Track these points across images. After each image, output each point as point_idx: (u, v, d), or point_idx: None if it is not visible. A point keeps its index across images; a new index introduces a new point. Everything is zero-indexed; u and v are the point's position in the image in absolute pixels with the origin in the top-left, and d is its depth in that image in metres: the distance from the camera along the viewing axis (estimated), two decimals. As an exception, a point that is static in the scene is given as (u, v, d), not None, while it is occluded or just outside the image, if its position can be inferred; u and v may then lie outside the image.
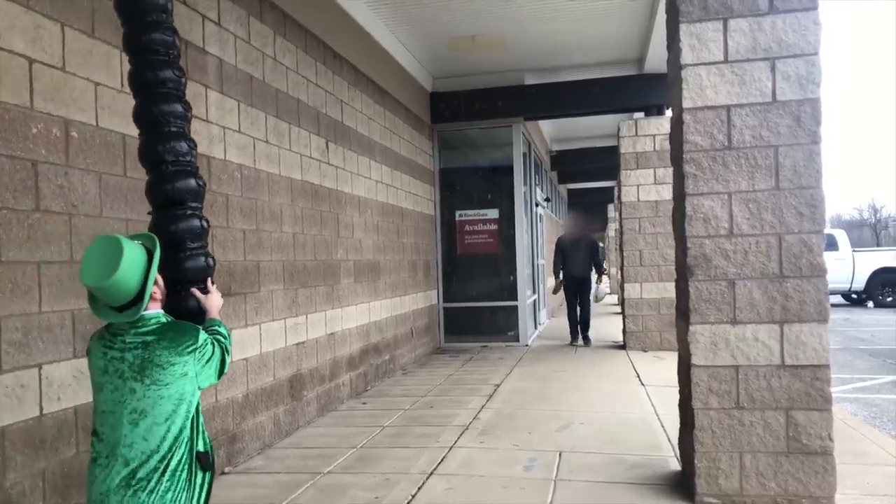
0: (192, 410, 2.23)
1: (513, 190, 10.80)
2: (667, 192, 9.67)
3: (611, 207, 24.17)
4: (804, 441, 3.60)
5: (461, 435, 5.23)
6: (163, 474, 2.13)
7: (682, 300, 3.98)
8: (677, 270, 4.12)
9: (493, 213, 10.89)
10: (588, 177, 21.30)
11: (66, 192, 3.29)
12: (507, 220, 10.92)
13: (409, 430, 5.45)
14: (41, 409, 3.08)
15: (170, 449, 2.15)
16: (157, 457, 2.12)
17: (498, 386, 7.21)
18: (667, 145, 9.56)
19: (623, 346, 10.06)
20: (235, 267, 4.78)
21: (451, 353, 9.85)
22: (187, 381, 2.19)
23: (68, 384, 3.24)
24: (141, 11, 2.58)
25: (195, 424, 2.24)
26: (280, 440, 5.29)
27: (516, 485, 4.10)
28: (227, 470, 4.54)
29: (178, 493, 2.16)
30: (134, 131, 3.73)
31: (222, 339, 2.40)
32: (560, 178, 20.42)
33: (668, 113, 10.13)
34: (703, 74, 3.71)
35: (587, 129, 15.61)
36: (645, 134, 9.83)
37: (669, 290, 9.69)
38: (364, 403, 6.59)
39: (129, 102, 3.72)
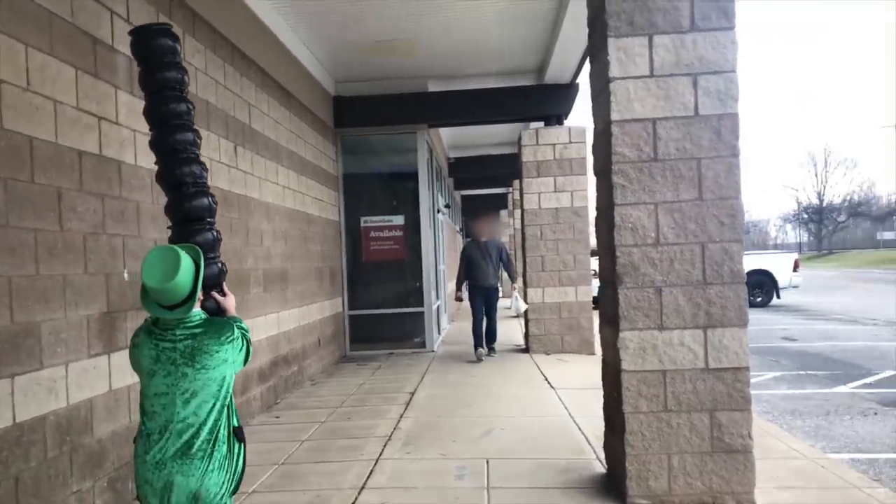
0: (230, 391, 2.62)
1: (417, 196, 10.79)
2: (566, 200, 9.98)
3: (503, 213, 24.64)
4: (727, 440, 3.78)
5: (385, 446, 5.16)
6: (213, 444, 2.52)
7: (609, 307, 4.08)
8: (603, 279, 4.22)
9: (398, 220, 10.84)
10: (483, 184, 21.65)
11: (-29, 200, 3.00)
12: (412, 226, 10.89)
13: (331, 444, 5.32)
14: (-55, 440, 2.79)
15: (215, 423, 2.55)
16: (206, 430, 2.51)
17: (412, 394, 7.17)
18: (567, 154, 9.99)
19: (526, 350, 10.25)
20: (147, 278, 4.51)
21: (358, 362, 9.71)
22: (227, 366, 2.58)
23: (-26, 411, 2.95)
24: (158, 53, 3.12)
25: (230, 404, 2.62)
26: (194, 460, 5.02)
27: (450, 495, 4.07)
28: (141, 495, 4.27)
29: (224, 460, 2.55)
30: (42, 134, 3.52)
31: (245, 333, 2.74)
32: (455, 185, 20.63)
33: (567, 123, 10.50)
34: (630, 88, 3.83)
35: (484, 137, 15.87)
36: (545, 143, 10.06)
37: (570, 295, 10.03)
38: (277, 417, 6.38)
39: (35, 102, 3.48)
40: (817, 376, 8.53)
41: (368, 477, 4.46)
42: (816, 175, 68.84)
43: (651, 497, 3.80)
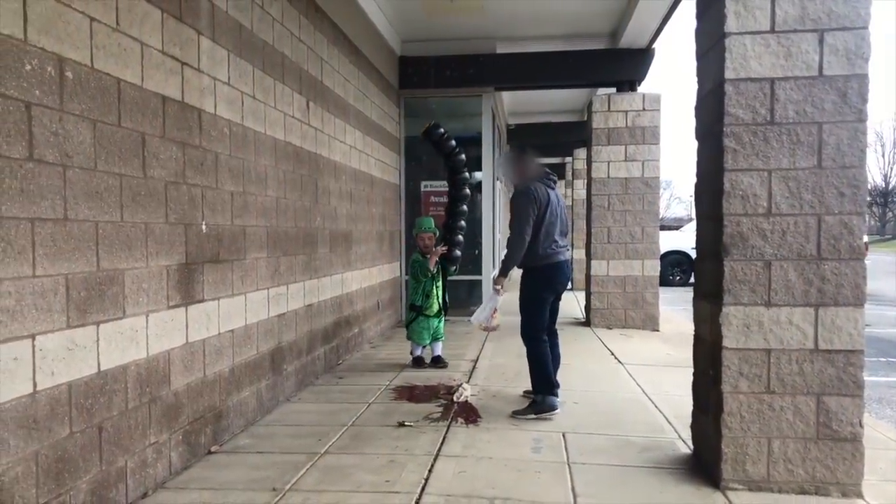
0: (412, 288, 6.98)
1: (480, 162, 10.54)
2: (637, 170, 9.64)
3: (561, 184, 24.17)
4: (834, 427, 3.52)
5: (454, 413, 5.02)
6: (407, 302, 7.31)
7: (707, 281, 3.83)
8: (702, 250, 3.97)
9: (460, 185, 10.59)
10: (540, 152, 21.14)
11: (62, 140, 2.88)
12: (473, 192, 10.66)
13: (397, 408, 5.21)
14: (35, 385, 2.71)
15: (410, 295, 7.06)
16: (410, 295, 7.06)
17: (475, 362, 7.03)
18: (639, 122, 9.63)
19: (587, 323, 10.03)
20: (223, 232, 4.41)
21: (415, 327, 9.58)
22: (411, 276, 6.97)
23: (62, 357, 2.87)
24: (440, 138, 7.29)
25: (412, 294, 6.96)
26: (263, 417, 4.97)
27: (531, 468, 3.91)
28: (213, 449, 4.21)
29: (409, 311, 6.98)
30: (129, 77, 3.39)
31: (415, 266, 6.87)
32: (512, 153, 20.19)
33: (640, 89, 10.10)
34: (747, 44, 3.53)
35: (545, 104, 15.48)
36: (617, 110, 9.71)
37: (635, 268, 9.74)
38: (340, 378, 6.30)
39: (125, 43, 3.36)
40: (899, 364, 8.13)
41: (442, 444, 4.33)
42: (884, 156, 65.99)
43: (747, 482, 3.58)
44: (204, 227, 4.15)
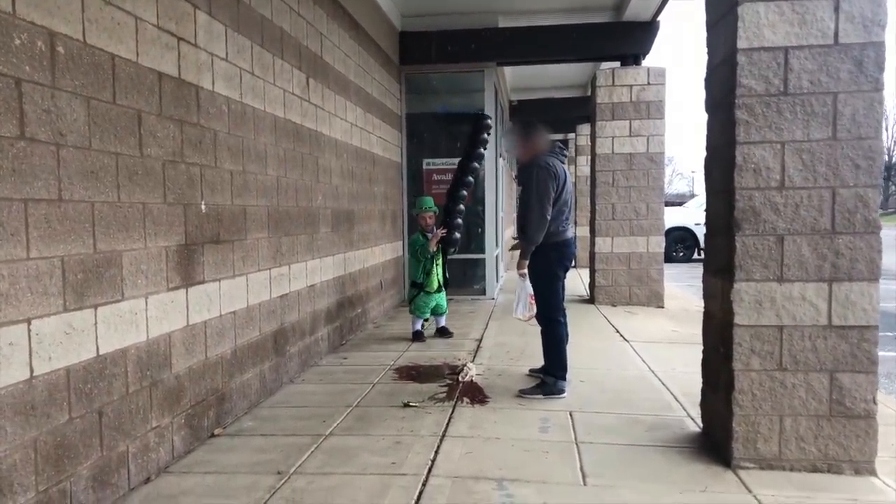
0: (411, 269, 7.44)
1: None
2: (642, 145, 9.51)
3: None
4: (848, 404, 3.46)
5: (459, 393, 4.97)
6: (414, 280, 7.29)
7: (718, 256, 3.75)
8: (713, 225, 3.88)
9: (461, 163, 10.48)
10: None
11: (54, 117, 2.79)
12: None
13: (402, 388, 5.15)
14: (31, 370, 2.65)
15: (412, 272, 7.38)
16: (415, 275, 7.26)
17: (479, 341, 6.97)
18: (644, 96, 9.49)
19: (591, 301, 9.95)
20: (223, 212, 4.32)
21: (419, 306, 9.52)
22: (410, 255, 7.32)
23: (59, 342, 2.80)
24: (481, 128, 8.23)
25: (414, 273, 7.24)
26: (266, 398, 4.91)
27: (538, 448, 3.86)
28: (217, 432, 4.16)
29: (411, 287, 7.27)
30: (123, 52, 3.29)
31: (415, 247, 7.15)
32: (514, 130, 19.98)
33: (645, 63, 9.94)
34: (760, 12, 3.41)
35: (549, 79, 15.29)
36: (622, 84, 9.57)
37: (640, 245, 9.65)
38: (345, 359, 6.24)
39: (118, 17, 3.25)
40: (906, 339, 8.07)
41: (448, 425, 4.28)
42: (887, 129, 65.52)
43: (759, 461, 3.53)
44: (203, 206, 4.06)
